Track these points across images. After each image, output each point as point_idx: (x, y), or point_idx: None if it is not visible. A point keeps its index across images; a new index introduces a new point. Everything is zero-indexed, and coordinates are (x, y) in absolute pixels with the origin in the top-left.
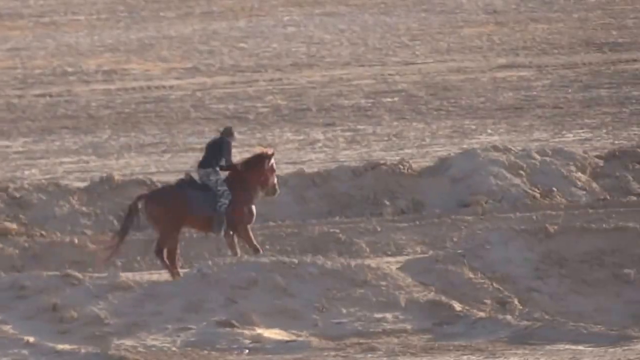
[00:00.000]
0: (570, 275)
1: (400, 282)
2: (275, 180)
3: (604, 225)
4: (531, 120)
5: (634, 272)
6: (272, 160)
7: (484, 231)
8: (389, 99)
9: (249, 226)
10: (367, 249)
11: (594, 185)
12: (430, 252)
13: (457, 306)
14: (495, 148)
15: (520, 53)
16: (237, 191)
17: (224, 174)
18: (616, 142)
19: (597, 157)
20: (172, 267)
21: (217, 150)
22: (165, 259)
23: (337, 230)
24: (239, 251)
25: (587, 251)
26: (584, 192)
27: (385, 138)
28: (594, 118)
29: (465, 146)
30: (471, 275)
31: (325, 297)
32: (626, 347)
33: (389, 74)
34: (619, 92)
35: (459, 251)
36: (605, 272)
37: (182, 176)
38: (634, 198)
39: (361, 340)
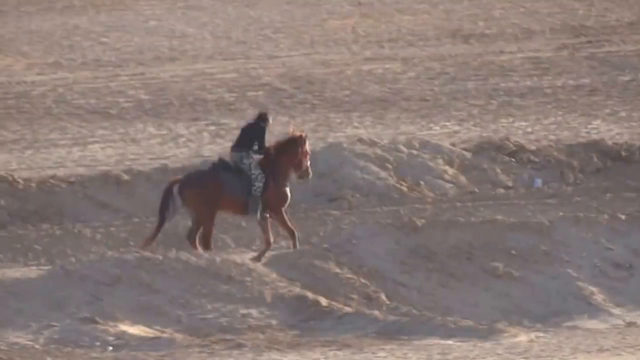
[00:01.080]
0: (438, 269)
1: (265, 278)
2: (309, 164)
3: (472, 219)
4: (398, 113)
5: (502, 265)
6: (306, 144)
7: (350, 225)
8: (253, 93)
9: (283, 209)
10: (233, 245)
11: (462, 178)
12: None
13: (324, 301)
14: (361, 141)
15: (385, 45)
16: (271, 174)
17: (257, 158)
18: (484, 134)
19: (464, 149)
20: (205, 251)
21: (251, 134)
22: (198, 243)
23: None
24: (272, 236)
25: (455, 245)
26: (452, 185)
27: None
28: (462, 110)
29: (330, 140)
30: (338, 270)
31: (190, 293)
32: (495, 341)
33: (253, 68)
34: (486, 84)
35: (325, 246)
36: (473, 266)
37: (214, 160)
38: (502, 191)
39: (227, 337)
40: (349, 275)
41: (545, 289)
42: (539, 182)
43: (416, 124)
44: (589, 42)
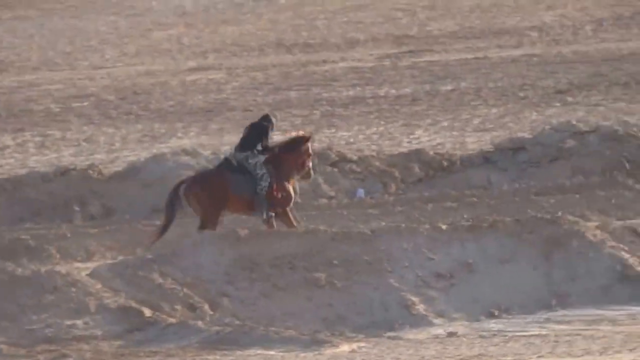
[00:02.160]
0: (261, 279)
1: (90, 288)
2: (311, 164)
3: (294, 229)
4: (221, 123)
5: (324, 275)
6: (309, 144)
7: (174, 236)
8: (78, 104)
9: (288, 208)
10: (58, 255)
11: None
12: (121, 258)
13: (148, 312)
14: (185, 152)
15: (210, 55)
16: (275, 173)
17: (262, 157)
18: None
19: None
20: None
21: (254, 134)
22: None
23: (28, 237)
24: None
25: (278, 255)
26: None
27: (75, 143)
28: (284, 120)
29: (155, 150)
30: (161, 281)
31: (15, 304)
32: (317, 351)
33: (79, 79)
34: (309, 94)
35: (150, 256)
36: (296, 276)
37: (220, 160)
38: (325, 201)
39: (52, 347)
40: (173, 286)
41: (367, 299)
42: (361, 192)
43: (240, 134)
44: (411, 51)
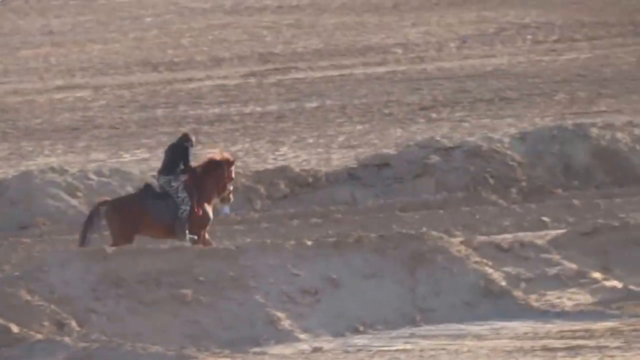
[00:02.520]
0: (128, 296)
1: None
2: (232, 188)
3: (160, 246)
4: (88, 141)
5: (190, 292)
6: (232, 168)
7: (41, 253)
8: None
9: (204, 231)
10: None
11: None
12: None
13: (15, 328)
14: (52, 170)
15: (77, 74)
16: (194, 195)
17: (183, 178)
18: None
19: (153, 177)
20: None
21: (175, 155)
22: None
23: None
24: None
25: (144, 271)
26: None
27: None
28: (151, 138)
29: (22, 168)
30: (29, 298)
31: None
32: None
33: None
34: (176, 112)
35: (17, 273)
36: (162, 293)
37: (141, 186)
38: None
39: None
40: (40, 302)
41: (233, 315)
42: (227, 208)
43: (107, 151)
44: (277, 69)
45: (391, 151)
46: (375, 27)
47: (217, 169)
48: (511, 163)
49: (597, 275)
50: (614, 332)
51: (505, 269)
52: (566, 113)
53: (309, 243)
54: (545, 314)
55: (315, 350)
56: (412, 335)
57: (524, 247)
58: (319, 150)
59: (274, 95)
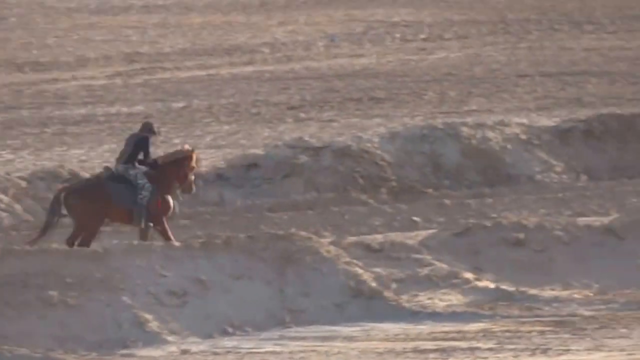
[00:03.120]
0: None
1: None
2: (193, 179)
3: (27, 247)
4: None
5: (57, 293)
6: (194, 159)
7: None
8: None
9: (164, 218)
10: None
11: (17, 207)
12: None
13: None
14: None
15: None
16: (157, 185)
17: (143, 168)
18: (38, 162)
19: (19, 178)
20: None
21: (136, 145)
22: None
23: None
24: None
25: (10, 273)
26: (7, 214)
27: None
28: (16, 139)
29: None
30: None
31: None
32: None
33: None
34: (41, 112)
35: None
36: (29, 294)
37: (101, 170)
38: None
39: None
40: None
41: (100, 317)
42: None
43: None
44: (143, 69)
45: (259, 151)
46: (242, 27)
47: (178, 160)
48: (381, 163)
49: (468, 275)
50: (485, 334)
51: (376, 269)
52: (436, 112)
53: (177, 244)
54: (416, 315)
55: (184, 352)
56: (281, 337)
57: (394, 247)
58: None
59: (141, 95)
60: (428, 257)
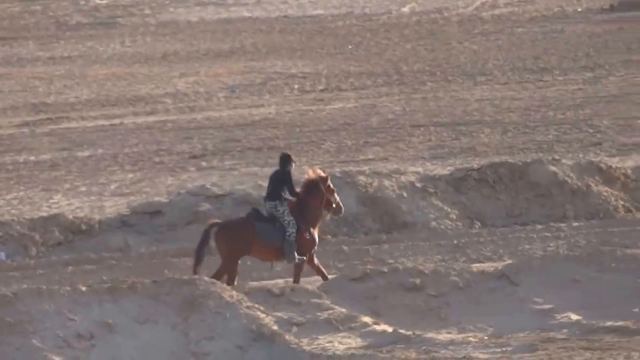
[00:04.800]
0: None
1: None
2: (338, 199)
3: None
4: None
5: None
6: (329, 181)
7: None
8: None
9: (312, 252)
10: None
11: None
12: None
13: None
14: None
15: None
16: (302, 218)
17: (289, 203)
18: None
19: None
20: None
21: (280, 181)
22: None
23: None
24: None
25: None
26: None
27: None
28: None
29: None
30: None
31: None
32: None
33: None
34: None
35: None
36: None
37: (249, 210)
38: None
39: None
40: None
41: None
42: (2, 255)
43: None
44: (49, 119)
45: (163, 199)
46: (145, 78)
47: (315, 189)
48: None
49: (367, 319)
50: None
51: (278, 313)
52: (334, 161)
53: (84, 289)
54: (316, 358)
55: None
56: None
57: (295, 292)
58: (92, 198)
59: (47, 144)
60: (327, 302)
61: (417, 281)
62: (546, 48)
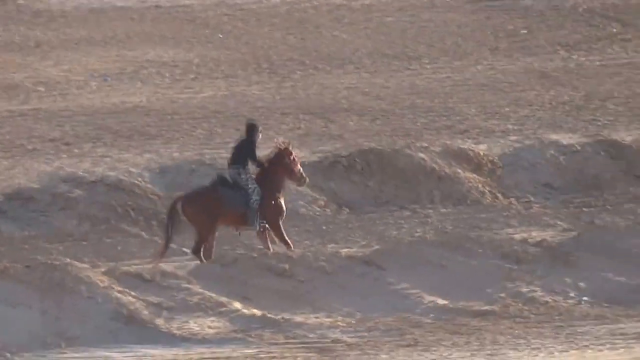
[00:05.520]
0: None
1: None
2: (301, 169)
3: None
4: None
5: None
6: (292, 153)
7: None
8: None
9: (279, 221)
10: None
11: None
12: None
13: None
14: None
15: None
16: (267, 187)
17: (253, 171)
18: None
19: None
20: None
21: (244, 149)
22: (202, 255)
23: None
24: (270, 245)
25: None
26: None
27: None
28: None
29: None
30: None
31: None
32: None
33: None
34: None
35: None
36: None
37: (214, 177)
38: None
39: None
40: None
41: None
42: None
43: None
44: None
45: (35, 185)
46: (18, 66)
47: (281, 158)
48: (152, 196)
49: (236, 304)
50: (252, 359)
51: (148, 298)
52: (205, 148)
53: (294, 250)
54: (187, 341)
55: None
56: None
57: (165, 276)
58: None
59: None
60: (197, 287)
61: (286, 266)
62: (415, 37)
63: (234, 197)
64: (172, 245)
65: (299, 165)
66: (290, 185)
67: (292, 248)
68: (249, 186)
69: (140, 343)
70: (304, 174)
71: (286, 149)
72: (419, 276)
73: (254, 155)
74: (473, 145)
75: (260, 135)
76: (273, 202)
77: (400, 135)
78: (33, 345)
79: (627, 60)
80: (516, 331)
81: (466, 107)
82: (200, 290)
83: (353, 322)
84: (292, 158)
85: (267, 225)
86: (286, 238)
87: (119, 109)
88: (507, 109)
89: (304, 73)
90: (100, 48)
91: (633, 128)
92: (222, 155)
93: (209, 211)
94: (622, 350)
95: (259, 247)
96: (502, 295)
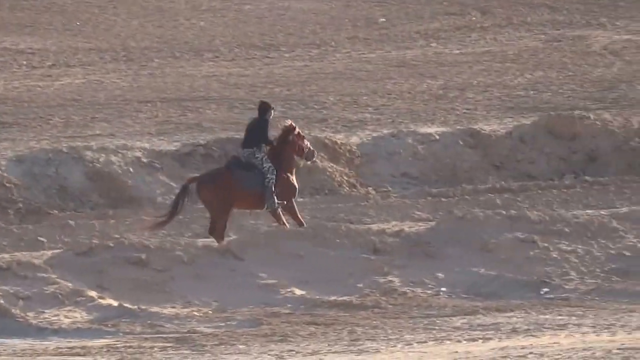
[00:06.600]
0: None
1: None
2: (309, 144)
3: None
4: None
5: None
6: (297, 130)
7: None
8: None
9: (293, 199)
10: None
11: None
12: None
13: None
14: None
15: None
16: (279, 166)
17: (266, 151)
18: None
19: None
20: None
21: (256, 129)
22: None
23: None
24: (285, 222)
25: None
26: None
27: None
28: None
29: None
30: None
31: None
32: None
33: None
34: None
35: None
36: None
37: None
38: None
39: None
40: None
41: None
42: None
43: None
44: None
45: None
46: None
47: (288, 137)
48: (8, 185)
49: (92, 294)
50: (109, 349)
51: (4, 287)
52: (61, 137)
53: (305, 226)
54: (43, 331)
55: None
56: None
57: (21, 266)
58: None
59: None
60: (53, 276)
61: (143, 256)
62: (273, 25)
63: (249, 178)
64: (39, 237)
65: (305, 141)
66: (301, 160)
67: (305, 226)
68: (264, 165)
69: None
70: (311, 148)
71: (290, 125)
72: (277, 267)
73: (265, 135)
74: (331, 135)
75: (273, 113)
76: (287, 180)
77: None
78: None
79: (486, 49)
80: (374, 322)
81: (324, 96)
82: (57, 279)
83: (210, 312)
84: (296, 133)
85: (280, 204)
86: (299, 216)
87: None
88: (365, 98)
89: (161, 61)
90: None
91: (492, 117)
92: (79, 143)
93: (224, 194)
94: (480, 341)
95: (116, 236)
96: (360, 285)
